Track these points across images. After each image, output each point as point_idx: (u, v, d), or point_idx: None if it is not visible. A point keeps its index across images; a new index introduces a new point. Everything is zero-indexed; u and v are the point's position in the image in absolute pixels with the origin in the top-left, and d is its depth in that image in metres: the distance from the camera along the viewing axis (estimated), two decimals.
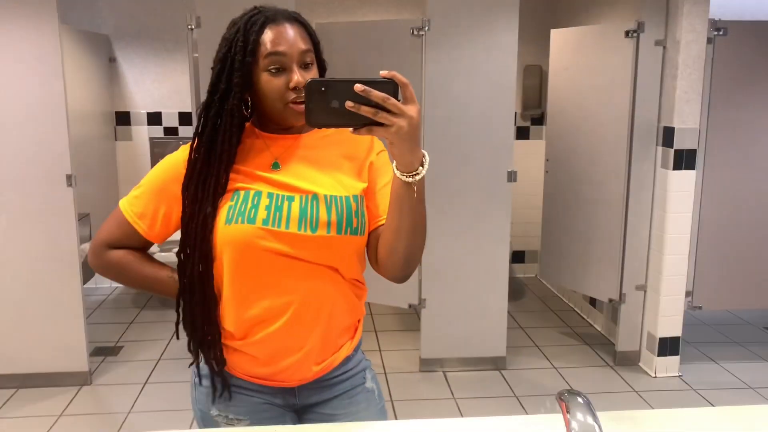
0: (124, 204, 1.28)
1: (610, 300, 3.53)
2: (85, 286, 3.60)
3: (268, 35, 1.18)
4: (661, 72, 3.28)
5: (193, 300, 1.24)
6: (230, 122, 1.20)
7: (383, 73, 1.03)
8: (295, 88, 1.18)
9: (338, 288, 1.26)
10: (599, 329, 3.99)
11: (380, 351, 3.72)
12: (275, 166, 1.24)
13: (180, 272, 1.25)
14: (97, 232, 1.32)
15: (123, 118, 4.63)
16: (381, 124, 1.04)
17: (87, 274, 3.65)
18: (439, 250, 3.35)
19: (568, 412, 0.90)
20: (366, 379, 1.38)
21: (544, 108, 4.79)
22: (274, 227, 1.19)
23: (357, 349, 1.37)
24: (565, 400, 0.92)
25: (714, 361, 3.55)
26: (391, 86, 1.03)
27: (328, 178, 1.25)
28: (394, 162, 1.11)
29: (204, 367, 1.30)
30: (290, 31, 1.19)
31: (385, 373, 3.43)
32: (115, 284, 4.84)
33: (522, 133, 4.93)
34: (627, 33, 3.29)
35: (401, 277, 1.24)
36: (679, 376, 3.38)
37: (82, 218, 3.69)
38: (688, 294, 3.35)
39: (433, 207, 3.33)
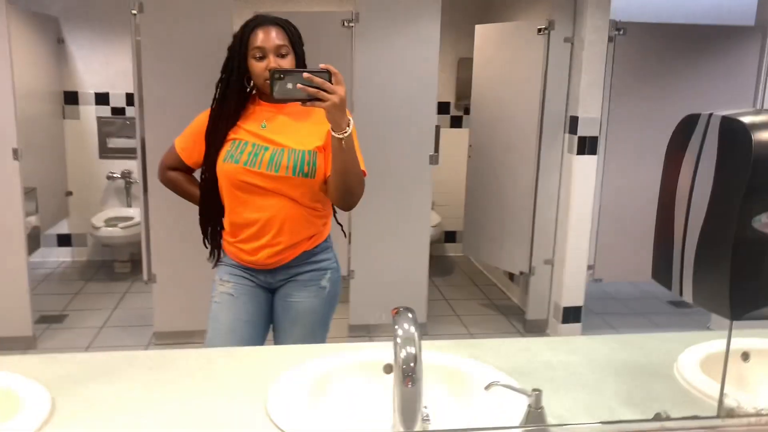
0: (176, 141, 2.00)
1: (522, 273, 3.89)
2: (32, 259, 3.79)
3: (256, 34, 1.80)
4: (569, 66, 3.63)
5: (207, 205, 1.93)
6: (233, 92, 1.85)
7: (322, 65, 1.62)
8: (269, 70, 1.74)
9: (296, 209, 1.86)
10: (515, 301, 4.36)
11: None
12: (263, 126, 1.85)
13: (200, 188, 1.94)
14: (162, 158, 2.03)
15: (71, 98, 4.78)
16: (321, 100, 1.60)
17: (32, 246, 3.83)
18: (367, 225, 3.65)
19: (395, 321, 1.20)
20: (323, 278, 1.96)
21: None
22: (251, 167, 1.81)
23: (315, 250, 1.94)
24: (397, 313, 1.22)
25: (614, 329, 3.95)
26: (327, 74, 1.61)
27: (295, 136, 1.84)
28: (330, 126, 1.66)
29: (220, 253, 1.98)
30: (272, 32, 1.80)
31: None
32: (62, 258, 5.00)
33: (456, 122, 5.25)
34: (539, 30, 3.63)
35: (347, 206, 1.87)
36: (554, 337, 3.75)
37: (29, 192, 3.86)
38: (590, 267, 3.72)
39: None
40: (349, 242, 3.67)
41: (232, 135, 1.86)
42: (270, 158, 1.81)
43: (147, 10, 3.25)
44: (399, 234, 3.68)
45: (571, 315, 3.73)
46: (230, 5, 3.27)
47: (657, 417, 1.07)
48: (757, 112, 0.90)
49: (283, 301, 1.95)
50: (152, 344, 3.60)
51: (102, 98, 4.81)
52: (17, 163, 3.25)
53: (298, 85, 1.60)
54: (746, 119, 0.88)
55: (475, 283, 4.78)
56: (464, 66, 5.12)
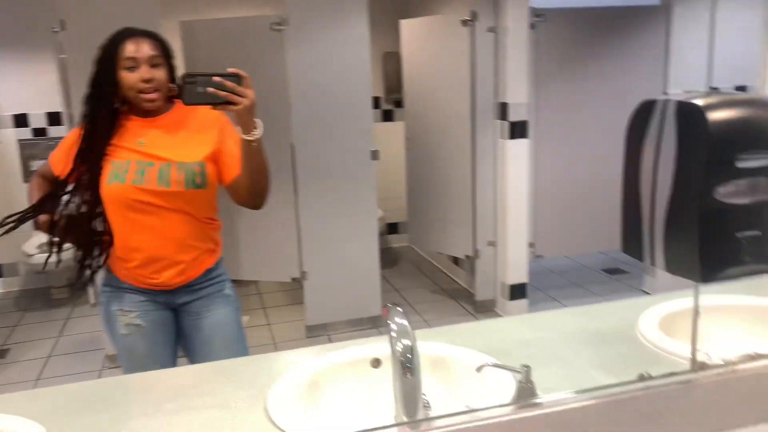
0: (51, 155, 1.89)
1: (467, 256, 4.02)
2: None
3: (126, 45, 1.75)
4: (494, 55, 3.76)
5: (89, 231, 1.80)
6: (104, 107, 1.78)
7: (230, 69, 1.61)
8: (144, 80, 1.74)
9: (192, 224, 1.84)
10: (462, 284, 4.49)
11: (269, 325, 4.01)
12: (140, 144, 1.80)
13: (79, 215, 1.78)
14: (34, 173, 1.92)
15: None
16: (232, 103, 1.61)
17: None
18: (316, 225, 3.68)
19: (389, 318, 1.26)
20: (225, 288, 1.97)
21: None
22: (140, 185, 1.76)
23: (216, 266, 1.94)
24: (388, 310, 1.28)
25: (558, 301, 4.14)
26: (237, 78, 1.61)
27: (179, 148, 1.80)
28: (240, 128, 1.67)
29: (106, 279, 1.89)
30: (143, 44, 1.76)
31: (275, 344, 3.73)
32: None
33: (388, 116, 5.33)
34: (464, 22, 3.74)
35: (257, 206, 1.87)
36: (524, 315, 3.93)
37: None
38: (531, 245, 3.89)
39: (309, 188, 3.65)
40: (299, 243, 3.69)
41: (110, 156, 1.78)
42: (159, 174, 1.77)
43: (69, 27, 3.15)
44: (348, 231, 3.72)
45: (518, 292, 3.89)
46: (156, 16, 3.21)
47: (640, 378, 1.17)
48: (708, 94, 1.00)
49: (194, 320, 1.95)
50: (105, 368, 3.50)
51: (21, 120, 4.60)
52: None
53: (209, 89, 1.59)
54: (700, 101, 0.98)
55: (422, 271, 4.89)
56: (390, 60, 5.19)
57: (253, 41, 3.51)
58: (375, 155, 3.68)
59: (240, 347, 1.99)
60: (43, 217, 1.83)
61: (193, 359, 2.00)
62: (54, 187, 1.83)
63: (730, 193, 0.99)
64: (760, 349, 1.33)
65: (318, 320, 3.78)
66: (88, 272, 1.85)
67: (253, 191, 1.82)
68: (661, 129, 1.03)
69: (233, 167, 1.82)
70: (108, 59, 1.75)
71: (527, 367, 1.22)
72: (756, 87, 2.63)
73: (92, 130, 1.78)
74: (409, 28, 4.23)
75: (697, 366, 1.21)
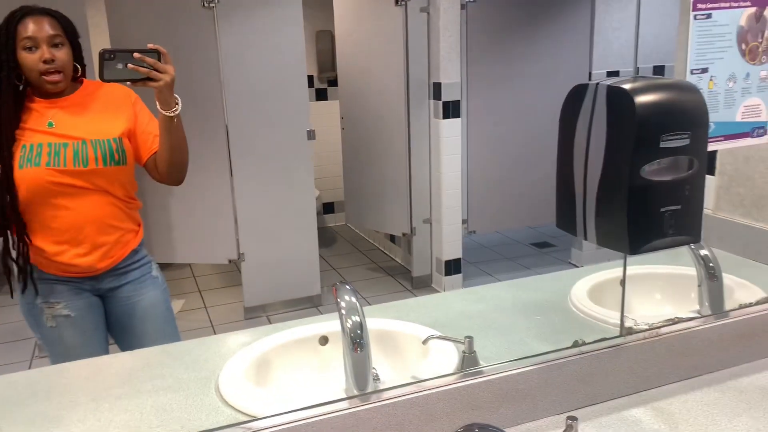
0: None
1: (404, 234, 4.10)
2: None
3: (25, 24, 1.67)
4: (427, 35, 3.81)
5: (4, 221, 1.70)
6: (6, 91, 1.68)
7: (150, 45, 1.61)
8: (45, 61, 1.67)
9: (112, 204, 1.80)
10: (399, 261, 4.58)
11: (206, 307, 3.97)
12: (50, 125, 1.73)
13: None
14: None
15: None
16: (152, 80, 1.61)
17: None
18: (252, 206, 3.66)
19: (337, 295, 1.30)
20: (152, 269, 1.96)
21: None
22: (56, 166, 1.70)
23: (140, 247, 1.93)
24: (337, 288, 1.31)
25: (490, 275, 4.28)
26: (156, 54, 1.61)
27: (92, 126, 1.75)
28: (159, 104, 1.68)
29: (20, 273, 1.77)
30: (43, 22, 1.68)
31: (213, 326, 3.71)
32: None
33: (321, 95, 5.31)
34: (396, 2, 3.76)
35: (177, 181, 1.84)
36: (463, 289, 4.05)
37: None
38: (464, 222, 4.00)
39: (244, 169, 3.62)
40: (236, 225, 3.66)
41: (20, 139, 1.69)
42: (74, 153, 1.72)
43: None
44: (285, 211, 3.72)
45: (452, 267, 4.00)
46: None
47: (575, 344, 1.26)
48: (635, 79, 1.08)
49: (124, 304, 1.92)
50: (36, 357, 3.40)
51: None
52: None
53: (129, 65, 1.58)
54: (627, 86, 1.06)
55: (359, 250, 4.94)
56: (322, 38, 5.17)
57: (184, 19, 3.42)
58: (311, 135, 3.68)
59: (171, 329, 1.99)
60: None
61: (124, 345, 1.97)
62: None
63: (654, 171, 1.07)
64: (679, 313, 1.45)
65: (256, 301, 3.78)
66: (20, 261, 1.75)
67: (173, 167, 1.81)
68: (592, 112, 1.10)
69: (150, 144, 1.81)
70: (5, 39, 1.66)
71: (470, 337, 1.28)
72: (673, 67, 2.79)
73: None
74: (342, 6, 4.22)
75: (625, 331, 1.31)
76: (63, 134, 1.72)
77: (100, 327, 1.92)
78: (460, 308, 1.69)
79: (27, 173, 1.68)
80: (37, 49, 1.67)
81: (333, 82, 5.31)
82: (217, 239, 3.75)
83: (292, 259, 3.80)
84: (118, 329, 1.96)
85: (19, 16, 1.67)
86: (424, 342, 1.35)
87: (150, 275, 1.95)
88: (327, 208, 5.51)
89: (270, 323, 3.69)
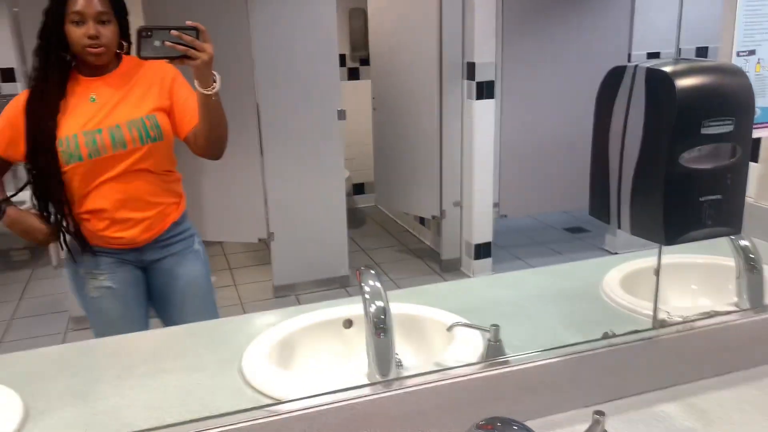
0: None
1: (433, 216, 4.06)
2: None
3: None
4: (462, 14, 3.73)
5: (47, 195, 1.79)
6: (55, 60, 1.72)
7: (188, 22, 1.59)
8: (90, 37, 1.69)
9: (152, 181, 1.84)
10: (428, 244, 4.55)
11: (235, 285, 4.01)
12: (92, 99, 1.77)
13: (35, 177, 1.77)
14: None
15: None
16: (189, 57, 1.59)
17: None
18: (282, 185, 3.66)
19: (361, 280, 1.27)
20: (194, 243, 1.99)
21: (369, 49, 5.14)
22: (97, 156, 1.74)
23: (182, 219, 1.95)
24: (361, 272, 1.29)
25: (522, 260, 4.22)
26: (194, 32, 1.59)
27: (128, 105, 1.78)
28: (197, 82, 1.66)
29: (71, 243, 1.85)
30: None
31: (242, 304, 3.74)
32: None
33: (353, 74, 5.27)
34: None
35: (216, 156, 1.84)
36: (493, 275, 4.01)
37: None
38: (495, 205, 3.94)
39: (275, 148, 3.62)
40: (266, 204, 3.67)
41: (58, 133, 1.73)
42: (111, 138, 1.75)
43: None
44: (315, 191, 3.72)
45: (482, 251, 3.96)
46: None
47: (605, 336, 1.22)
48: (676, 61, 1.02)
49: (166, 278, 1.95)
50: (70, 330, 3.47)
51: None
52: None
53: (167, 43, 1.57)
54: (668, 68, 1.00)
55: (389, 231, 4.92)
56: (355, 16, 5.11)
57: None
58: (342, 115, 3.65)
59: (210, 303, 2.02)
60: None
61: (165, 317, 2.00)
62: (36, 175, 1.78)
63: (694, 159, 1.02)
64: (716, 306, 1.40)
65: (285, 281, 3.80)
66: (66, 234, 1.84)
67: (211, 142, 1.81)
68: (630, 95, 1.05)
69: (189, 118, 1.81)
70: (56, 12, 1.70)
71: (496, 326, 1.25)
72: (717, 48, 2.67)
73: (45, 81, 1.73)
74: None
75: (658, 324, 1.26)
76: (98, 119, 1.75)
77: (141, 300, 1.96)
78: (488, 294, 1.66)
79: (74, 168, 1.75)
80: (84, 24, 1.69)
81: (365, 61, 5.26)
82: (248, 218, 3.76)
83: (322, 239, 3.80)
84: (159, 301, 1.99)
85: None
86: (449, 329, 1.33)
87: (192, 249, 1.98)
88: (357, 188, 5.49)
89: (299, 303, 3.71)
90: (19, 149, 1.77)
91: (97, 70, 1.79)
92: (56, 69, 1.73)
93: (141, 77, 1.82)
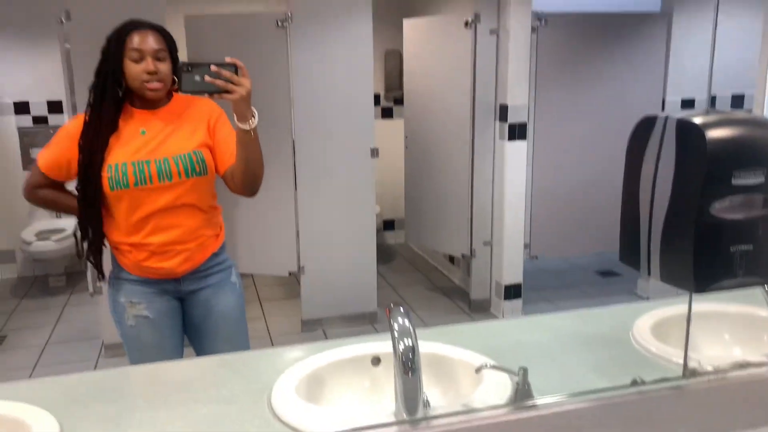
0: (38, 157, 1.88)
1: (463, 255, 4.06)
2: None
3: (133, 36, 1.79)
4: (495, 57, 3.79)
5: (90, 221, 1.86)
6: (111, 96, 1.80)
7: (228, 59, 1.67)
8: (148, 73, 1.77)
9: (194, 213, 1.90)
10: (457, 282, 4.54)
11: (264, 317, 4.04)
12: (143, 132, 1.84)
13: (81, 204, 1.85)
14: (27, 177, 1.91)
15: None
16: (228, 92, 1.65)
17: None
18: (314, 220, 3.71)
19: (391, 318, 1.30)
20: (232, 274, 2.03)
21: (403, 89, 5.23)
22: (143, 185, 1.81)
23: (221, 250, 2.01)
24: (391, 310, 1.32)
25: (552, 302, 4.18)
26: (233, 67, 1.67)
27: (176, 139, 1.85)
28: (235, 116, 1.71)
29: (113, 270, 1.94)
30: (149, 36, 1.80)
31: (270, 336, 3.77)
32: None
33: (387, 113, 5.36)
34: (466, 23, 3.77)
35: (251, 193, 1.89)
36: (522, 317, 3.97)
37: None
38: (526, 246, 3.93)
39: (309, 183, 3.68)
40: (298, 238, 3.72)
41: (107, 158, 1.80)
42: (157, 169, 1.82)
43: (75, 18, 3.17)
44: (346, 227, 3.76)
45: (512, 292, 3.94)
46: (161, 9, 3.23)
47: (634, 383, 1.21)
48: (707, 113, 1.04)
49: (202, 308, 1.99)
50: (103, 357, 3.53)
51: (22, 108, 4.61)
52: None
53: (206, 78, 1.64)
54: (699, 120, 1.02)
55: (418, 269, 4.93)
56: (391, 57, 5.22)
57: (258, 37, 3.53)
58: (375, 153, 3.72)
59: (243, 337, 2.05)
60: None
61: (198, 347, 2.04)
62: (84, 201, 1.86)
63: (725, 209, 1.03)
64: (748, 356, 1.38)
65: (314, 315, 3.82)
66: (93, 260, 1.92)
67: (247, 179, 1.85)
68: (661, 144, 1.07)
69: (228, 156, 1.87)
70: (115, 49, 1.78)
71: (524, 369, 1.26)
72: (753, 95, 2.67)
73: (99, 116, 1.81)
74: (412, 27, 4.25)
75: (689, 372, 1.25)
76: (148, 150, 1.83)
77: (177, 330, 2.01)
78: (517, 337, 1.66)
79: (118, 194, 1.81)
80: (143, 60, 1.78)
81: (399, 101, 5.34)
82: (280, 251, 3.81)
83: (351, 274, 3.82)
84: (193, 331, 2.03)
85: (129, 29, 1.80)
86: (477, 371, 1.33)
87: (229, 281, 2.02)
88: (387, 225, 5.53)
89: (326, 337, 3.72)
90: (65, 172, 1.86)
91: (149, 104, 1.86)
92: (110, 104, 1.81)
93: (189, 114, 1.89)
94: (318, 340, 3.65)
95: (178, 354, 2.01)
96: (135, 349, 1.97)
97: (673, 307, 1.65)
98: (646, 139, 1.10)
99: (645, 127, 1.11)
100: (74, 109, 3.26)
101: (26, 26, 4.50)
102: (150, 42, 1.79)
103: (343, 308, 3.85)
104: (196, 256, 1.93)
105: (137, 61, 1.78)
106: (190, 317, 2.01)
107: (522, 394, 1.25)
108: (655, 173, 1.08)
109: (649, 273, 1.11)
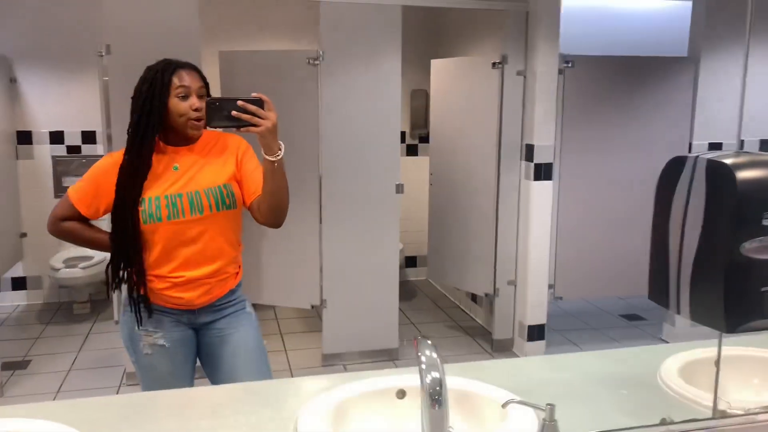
0: (70, 191, 1.93)
1: (487, 294, 4.05)
2: None
3: (180, 74, 1.86)
4: (522, 97, 3.84)
5: (123, 255, 1.90)
6: (151, 135, 1.84)
7: (254, 94, 1.73)
8: (195, 110, 1.84)
9: (221, 248, 1.95)
10: (480, 322, 4.51)
11: (285, 350, 4.05)
12: (175, 168, 1.90)
13: (115, 239, 1.90)
14: (54, 209, 1.94)
15: (24, 137, 4.71)
16: (254, 125, 1.71)
17: None
18: (338, 254, 3.74)
19: (418, 350, 1.31)
20: (246, 306, 2.08)
21: (429, 128, 5.30)
22: (175, 218, 1.87)
23: (237, 288, 2.05)
24: (418, 342, 1.33)
25: (575, 345, 4.14)
26: (259, 102, 1.72)
27: (206, 173, 1.91)
28: (262, 149, 1.77)
29: (129, 298, 1.94)
30: (193, 74, 1.88)
31: (290, 369, 3.77)
32: (17, 302, 4.87)
33: (412, 150, 5.42)
34: (494, 64, 3.84)
35: (277, 224, 1.92)
36: (547, 356, 3.93)
37: None
38: (550, 287, 3.91)
39: (331, 216, 3.72)
40: (321, 272, 3.75)
41: (145, 186, 1.86)
42: (190, 202, 1.88)
43: (114, 52, 3.28)
44: (369, 262, 3.78)
45: (536, 333, 3.90)
46: (197, 45, 3.34)
47: (663, 422, 1.20)
48: (737, 154, 1.06)
49: (217, 337, 2.02)
50: (124, 384, 3.56)
51: (56, 137, 4.75)
52: None
53: (233, 113, 1.69)
54: (729, 161, 1.04)
55: (439, 306, 4.92)
56: (417, 97, 5.31)
57: (290, 74, 3.62)
58: (400, 188, 3.75)
59: (262, 364, 2.05)
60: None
61: (214, 376, 2.05)
62: (119, 239, 1.90)
63: (755, 249, 1.04)
64: None
65: (334, 349, 3.82)
66: (134, 293, 1.94)
67: (273, 210, 1.89)
68: (691, 185, 1.08)
69: (254, 188, 1.92)
70: (159, 87, 1.83)
71: (552, 405, 1.25)
72: None
73: (139, 153, 1.85)
74: (440, 67, 4.33)
75: (718, 414, 1.24)
76: (180, 183, 1.88)
77: (190, 359, 2.04)
78: (542, 375, 1.66)
79: (151, 228, 1.87)
80: (189, 97, 1.85)
81: (423, 139, 5.41)
82: (303, 284, 3.84)
83: (373, 310, 3.83)
84: (208, 361, 2.05)
85: (173, 67, 1.86)
86: (504, 406, 1.33)
87: (244, 311, 2.06)
88: (409, 261, 5.54)
89: (346, 372, 3.71)
90: (93, 210, 1.91)
91: (182, 140, 1.91)
92: (149, 142, 1.85)
93: (218, 149, 1.96)
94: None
95: (190, 382, 2.04)
96: (148, 377, 2.00)
97: (700, 350, 1.63)
98: (675, 180, 1.12)
99: (674, 168, 1.12)
100: (109, 140, 3.35)
101: (64, 59, 4.67)
102: (195, 80, 1.87)
103: (364, 343, 3.85)
104: (216, 290, 1.98)
105: (184, 97, 1.84)
106: (204, 346, 2.04)
107: (549, 430, 1.25)
108: (684, 213, 1.09)
109: (678, 312, 1.11)
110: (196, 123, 1.86)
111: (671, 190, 1.12)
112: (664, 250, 1.13)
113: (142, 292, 1.94)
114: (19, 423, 1.31)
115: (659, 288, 1.16)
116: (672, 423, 1.21)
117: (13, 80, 4.62)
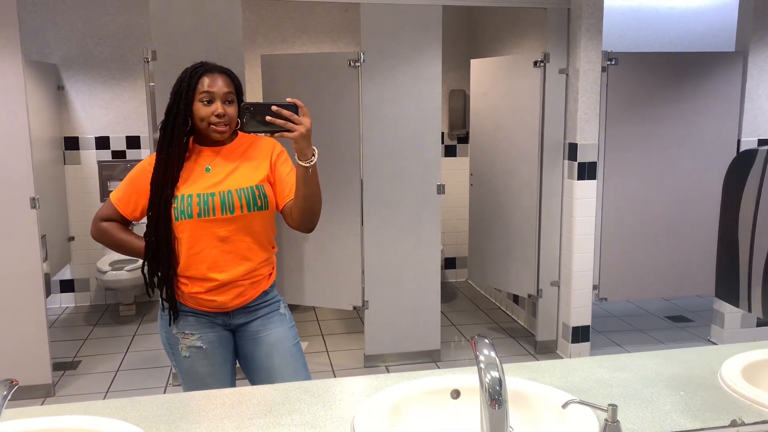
0: (112, 193, 1.98)
1: (529, 296, 4.00)
2: None
3: (204, 79, 1.86)
4: (565, 96, 3.79)
5: (158, 257, 1.91)
6: (179, 135, 1.87)
7: (288, 99, 1.74)
8: (217, 115, 1.85)
9: (253, 249, 1.95)
10: (522, 323, 4.46)
11: (327, 351, 4.06)
12: (207, 169, 1.91)
13: (150, 240, 1.91)
14: (96, 214, 1.98)
15: (71, 143, 4.83)
16: (288, 131, 1.72)
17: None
18: (379, 256, 3.74)
19: (476, 349, 1.29)
20: (280, 307, 2.06)
21: (468, 128, 5.27)
22: (206, 216, 1.88)
23: (272, 287, 2.06)
24: (476, 341, 1.31)
25: (620, 346, 4.06)
26: (293, 107, 1.73)
27: (239, 175, 1.92)
28: (296, 154, 1.78)
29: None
30: (219, 79, 1.87)
31: (333, 370, 3.78)
32: (66, 304, 4.99)
33: (450, 151, 5.40)
34: (535, 63, 3.79)
35: (308, 229, 1.93)
36: (600, 356, 3.86)
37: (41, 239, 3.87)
38: (594, 287, 3.85)
39: (374, 219, 3.72)
40: (363, 273, 3.75)
41: (176, 190, 1.88)
42: (221, 202, 1.88)
43: (160, 58, 3.34)
44: (410, 263, 3.77)
45: (580, 334, 3.85)
46: (240, 49, 3.38)
47: (733, 423, 1.17)
48: None
49: (252, 339, 2.01)
50: (170, 385, 3.61)
51: (102, 142, 4.86)
52: (35, 212, 3.29)
53: (267, 118, 1.71)
54: None
55: (480, 308, 4.88)
56: (455, 97, 5.29)
57: (331, 76, 3.64)
58: (441, 189, 3.74)
59: (299, 365, 2.03)
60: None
61: (252, 378, 2.06)
62: (155, 241, 1.91)
63: None
64: None
65: (376, 350, 3.82)
66: (166, 294, 1.95)
67: (305, 215, 1.89)
68: (762, 178, 1.05)
69: (288, 192, 1.93)
70: (186, 91, 1.85)
71: (614, 405, 1.23)
72: None
73: (168, 153, 1.87)
74: (479, 67, 4.31)
75: None
76: (213, 183, 1.89)
77: (229, 360, 2.05)
78: (597, 375, 1.62)
79: (182, 225, 1.88)
80: (213, 103, 1.85)
81: (462, 140, 5.39)
82: (344, 285, 3.85)
83: (414, 311, 3.82)
84: (246, 362, 2.06)
85: (200, 72, 1.87)
86: (564, 406, 1.31)
87: (278, 312, 2.05)
88: (449, 263, 5.52)
89: (387, 373, 3.69)
90: (131, 209, 1.95)
91: (215, 142, 1.93)
92: (178, 142, 1.87)
93: (252, 151, 1.96)
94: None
95: (231, 383, 2.05)
96: (189, 380, 2.01)
97: (762, 351, 1.58)
98: (745, 173, 1.08)
99: (743, 161, 1.09)
100: (155, 145, 3.40)
101: (110, 65, 4.78)
102: (220, 85, 1.86)
103: (405, 345, 3.84)
104: (249, 292, 1.98)
105: (208, 103, 1.85)
106: (241, 348, 2.04)
107: (610, 430, 1.22)
108: (756, 207, 1.06)
109: (749, 309, 1.08)
110: (217, 129, 1.87)
111: (740, 184, 1.09)
112: (733, 247, 1.10)
113: (176, 293, 1.95)
114: (81, 420, 1.33)
115: (728, 286, 1.13)
116: (743, 424, 1.17)
117: (60, 87, 4.74)
